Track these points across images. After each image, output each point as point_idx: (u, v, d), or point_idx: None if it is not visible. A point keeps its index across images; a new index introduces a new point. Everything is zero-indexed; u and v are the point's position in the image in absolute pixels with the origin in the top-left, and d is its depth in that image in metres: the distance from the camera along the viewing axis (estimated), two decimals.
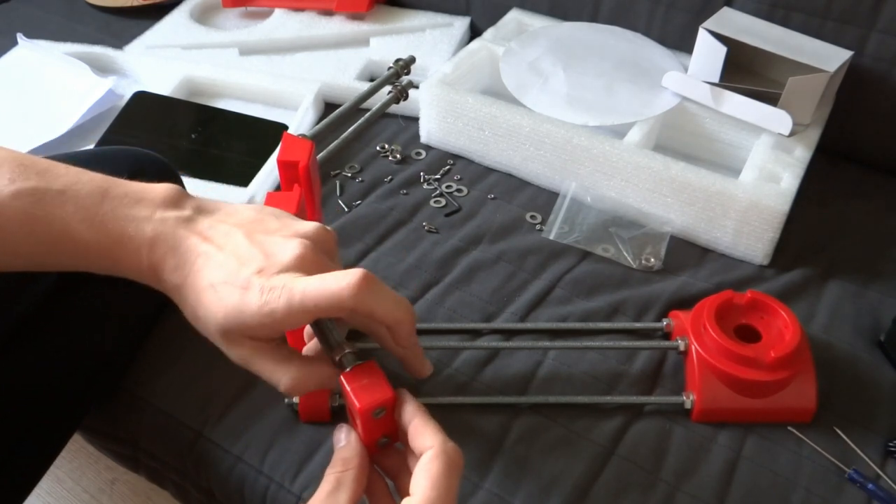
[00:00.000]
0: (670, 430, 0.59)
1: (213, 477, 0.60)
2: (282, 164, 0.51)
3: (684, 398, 0.59)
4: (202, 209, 0.44)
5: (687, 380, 0.61)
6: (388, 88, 0.64)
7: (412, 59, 0.64)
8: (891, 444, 0.58)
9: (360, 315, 0.41)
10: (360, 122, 0.60)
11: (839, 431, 0.58)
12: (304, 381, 0.43)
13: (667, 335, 0.65)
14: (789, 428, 0.59)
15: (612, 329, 0.66)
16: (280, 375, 0.42)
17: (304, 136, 0.53)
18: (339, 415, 0.59)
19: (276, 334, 0.42)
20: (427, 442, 0.39)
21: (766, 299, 0.61)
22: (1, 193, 0.41)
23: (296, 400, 0.59)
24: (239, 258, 0.41)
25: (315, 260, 0.41)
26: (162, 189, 0.44)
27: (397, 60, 0.63)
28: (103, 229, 0.42)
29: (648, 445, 0.58)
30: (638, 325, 0.67)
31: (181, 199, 0.44)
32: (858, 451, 0.57)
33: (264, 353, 0.42)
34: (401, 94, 0.62)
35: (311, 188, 0.52)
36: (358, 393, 0.40)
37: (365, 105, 0.63)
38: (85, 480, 1.05)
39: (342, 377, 0.41)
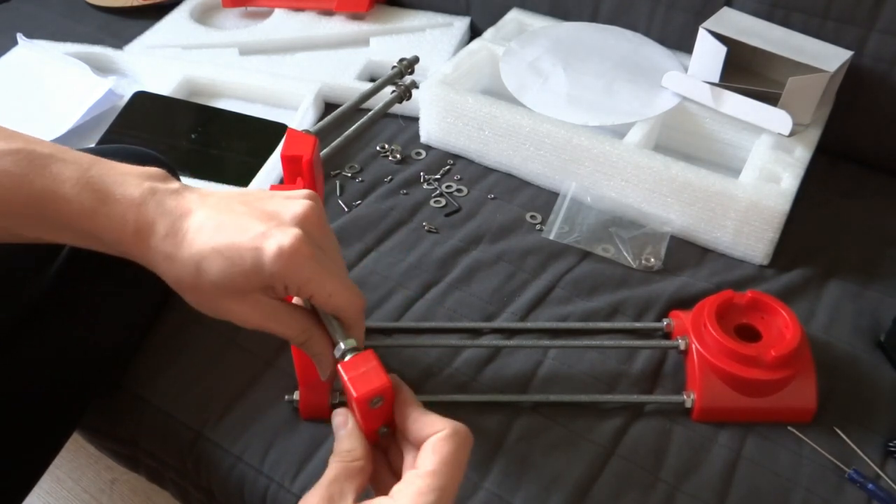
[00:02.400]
0: (670, 430, 0.59)
1: (213, 477, 0.60)
2: (285, 159, 0.50)
3: (685, 397, 0.59)
4: (188, 186, 0.44)
5: (687, 379, 0.61)
6: (390, 88, 0.64)
7: (416, 59, 0.64)
8: (891, 444, 0.58)
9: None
10: (362, 120, 0.60)
11: (839, 431, 0.58)
12: (313, 331, 0.43)
13: (667, 335, 0.65)
14: (789, 428, 0.59)
15: (612, 329, 0.66)
16: (291, 325, 0.43)
17: (307, 131, 0.53)
18: None
19: (292, 291, 0.42)
20: (436, 426, 0.39)
21: (767, 299, 0.61)
22: None
23: (296, 397, 0.59)
24: (241, 221, 0.41)
25: (320, 223, 0.42)
26: (149, 168, 0.44)
27: (401, 60, 0.63)
28: (89, 188, 0.41)
29: (648, 445, 0.58)
30: (638, 324, 0.67)
31: (168, 177, 0.44)
32: (858, 451, 0.57)
33: (274, 305, 0.42)
34: (404, 94, 0.62)
35: (314, 183, 0.52)
36: (355, 382, 0.40)
37: (366, 105, 0.63)
38: (85, 480, 1.05)
39: (339, 366, 0.41)
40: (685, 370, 0.61)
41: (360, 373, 0.40)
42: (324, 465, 0.56)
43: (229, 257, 0.40)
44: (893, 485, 0.55)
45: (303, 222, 0.41)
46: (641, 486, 0.55)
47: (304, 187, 0.49)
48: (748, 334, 0.60)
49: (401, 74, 0.63)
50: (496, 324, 0.67)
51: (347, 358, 0.41)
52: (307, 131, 0.52)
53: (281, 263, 0.39)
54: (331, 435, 0.57)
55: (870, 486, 0.55)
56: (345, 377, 0.40)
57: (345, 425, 0.42)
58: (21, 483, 0.57)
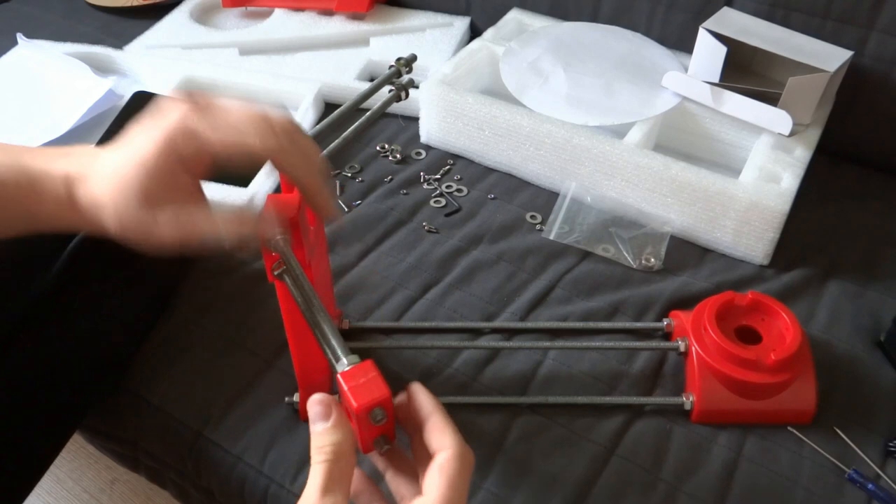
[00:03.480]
0: (670, 430, 0.59)
1: (213, 477, 0.60)
2: None
3: (684, 399, 0.59)
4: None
5: (687, 381, 0.61)
6: (388, 87, 0.64)
7: (413, 58, 0.64)
8: (891, 444, 0.58)
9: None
10: (360, 121, 0.60)
11: (839, 431, 0.58)
12: (238, 218, 0.41)
13: (667, 335, 0.65)
14: (789, 428, 0.59)
15: (612, 329, 0.66)
16: (231, 225, 0.41)
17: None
18: None
19: (191, 163, 0.40)
20: (445, 442, 0.37)
21: (767, 300, 0.61)
22: None
23: (296, 399, 0.59)
24: (130, 137, 0.41)
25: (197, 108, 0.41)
26: (81, 146, 0.44)
27: (398, 59, 0.63)
28: (22, 170, 0.42)
29: (648, 445, 0.58)
30: (638, 324, 0.67)
31: (95, 148, 0.44)
32: (858, 451, 0.57)
33: (196, 198, 0.42)
34: (401, 93, 0.62)
35: None
36: (355, 392, 0.40)
37: (365, 105, 0.63)
38: (85, 480, 1.05)
39: (339, 376, 0.41)
40: (685, 371, 0.61)
41: (359, 383, 0.40)
42: None
43: (122, 168, 0.40)
44: (893, 485, 0.55)
45: (180, 112, 0.40)
46: (641, 486, 0.55)
47: (299, 195, 0.49)
48: (749, 336, 0.60)
49: (398, 74, 0.63)
50: (496, 324, 0.67)
51: (347, 368, 0.41)
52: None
53: (159, 146, 0.39)
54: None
55: (870, 486, 0.55)
56: (344, 387, 0.40)
57: (327, 417, 0.37)
58: (21, 483, 0.57)
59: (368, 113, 0.60)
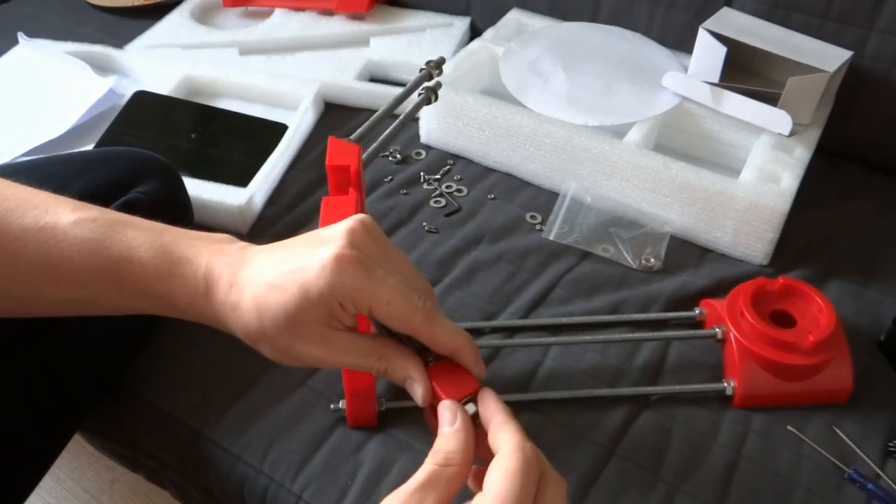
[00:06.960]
0: (671, 430, 0.59)
1: (213, 477, 0.60)
2: (331, 169, 0.49)
3: (725, 385, 0.60)
4: (255, 245, 0.44)
5: (726, 367, 0.61)
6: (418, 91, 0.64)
7: (442, 60, 0.64)
8: (891, 444, 0.58)
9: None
10: (393, 126, 0.59)
11: (839, 431, 0.58)
12: (392, 357, 0.41)
13: (699, 324, 0.66)
14: (789, 428, 0.59)
15: (641, 321, 0.67)
16: (365, 354, 0.41)
17: (348, 139, 0.52)
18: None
19: (349, 307, 0.40)
20: (504, 438, 0.37)
21: (799, 284, 0.61)
22: (63, 221, 0.42)
23: (342, 406, 0.58)
24: (290, 252, 0.41)
25: (370, 236, 0.41)
26: (217, 233, 0.45)
27: (428, 62, 0.63)
28: (163, 252, 0.42)
29: (649, 445, 0.58)
30: (671, 314, 0.67)
31: (234, 239, 0.45)
32: (858, 451, 0.57)
33: (341, 336, 0.41)
34: (430, 96, 0.62)
35: (363, 192, 0.51)
36: (444, 386, 0.39)
37: (369, 105, 0.63)
38: (85, 480, 1.05)
39: (427, 371, 0.41)
40: (723, 358, 0.62)
41: (448, 378, 0.39)
42: (323, 465, 0.57)
43: (280, 286, 0.39)
44: (893, 485, 0.55)
45: (348, 236, 0.40)
46: (641, 486, 0.55)
47: (356, 197, 0.49)
48: (782, 320, 0.60)
49: (429, 76, 0.63)
50: (496, 322, 0.66)
51: (430, 363, 0.41)
52: (348, 139, 0.52)
53: (325, 277, 0.38)
54: (331, 435, 0.58)
55: (870, 486, 0.55)
56: (432, 382, 0.40)
57: (452, 423, 0.38)
58: (22, 484, 0.57)
59: (401, 117, 0.60)
